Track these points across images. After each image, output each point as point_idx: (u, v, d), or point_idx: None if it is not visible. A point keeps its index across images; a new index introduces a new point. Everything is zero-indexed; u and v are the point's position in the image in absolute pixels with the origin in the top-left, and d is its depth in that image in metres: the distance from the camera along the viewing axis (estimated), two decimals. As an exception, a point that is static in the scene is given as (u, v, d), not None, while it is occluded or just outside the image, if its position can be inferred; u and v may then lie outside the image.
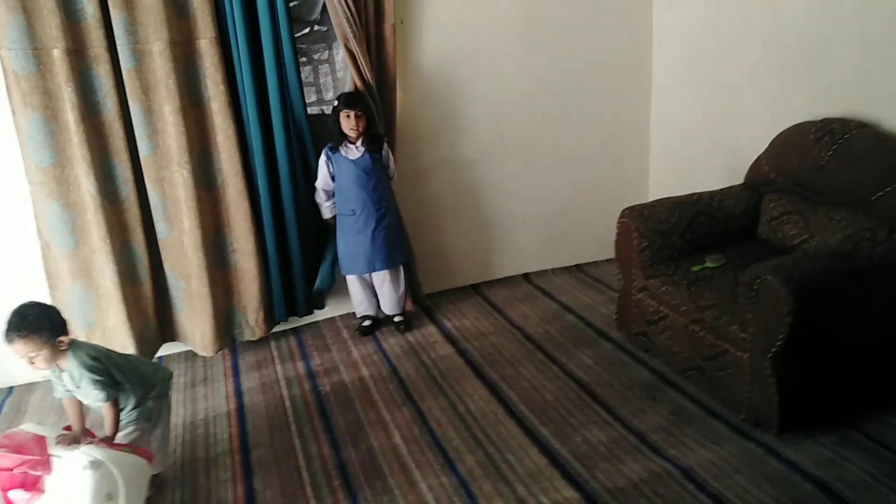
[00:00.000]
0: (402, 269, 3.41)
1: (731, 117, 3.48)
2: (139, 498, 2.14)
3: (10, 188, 2.94)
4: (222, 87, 3.00)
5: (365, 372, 3.10)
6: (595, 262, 4.15)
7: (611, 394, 2.79)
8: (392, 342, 3.35)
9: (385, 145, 3.26)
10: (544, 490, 2.27)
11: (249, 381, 3.12)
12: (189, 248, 3.11)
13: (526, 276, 4.03)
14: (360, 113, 3.12)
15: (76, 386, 2.18)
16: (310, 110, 3.38)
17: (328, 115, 3.41)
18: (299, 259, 3.32)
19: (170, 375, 2.48)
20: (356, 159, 3.17)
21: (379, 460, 2.49)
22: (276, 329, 3.49)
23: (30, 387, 3.17)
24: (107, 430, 2.21)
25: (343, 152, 3.18)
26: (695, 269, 2.84)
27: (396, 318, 3.48)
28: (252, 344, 3.41)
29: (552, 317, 3.51)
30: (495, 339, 3.32)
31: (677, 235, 2.96)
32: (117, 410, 2.24)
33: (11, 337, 2.02)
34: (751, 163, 3.12)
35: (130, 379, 2.27)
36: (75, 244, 2.96)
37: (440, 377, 3.01)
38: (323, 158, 3.22)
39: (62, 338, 2.11)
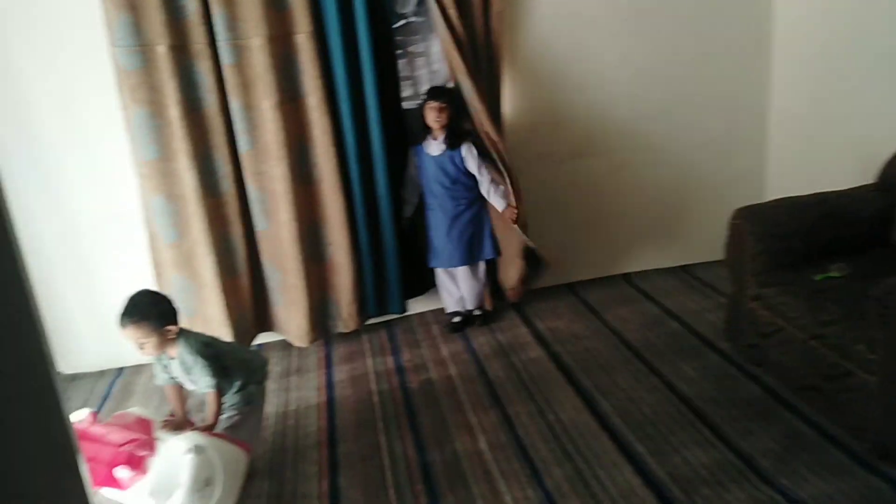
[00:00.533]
0: (481, 264, 3.36)
1: (862, 110, 3.12)
2: (235, 486, 2.18)
3: (126, 181, 3.08)
4: (319, 83, 3.00)
5: (453, 371, 3.04)
6: (703, 264, 3.88)
7: (716, 411, 2.58)
8: (482, 341, 3.27)
9: (468, 144, 3.17)
10: (637, 513, 2.12)
11: (340, 373, 3.13)
12: (286, 242, 3.15)
13: (626, 276, 3.83)
14: (443, 105, 3.07)
15: (187, 372, 2.26)
16: (406, 105, 3.33)
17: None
18: (393, 256, 3.30)
19: (266, 361, 2.59)
20: (437, 155, 3.15)
21: (463, 465, 2.42)
22: (369, 322, 3.49)
23: (138, 369, 3.33)
24: (209, 417, 2.29)
25: (425, 147, 3.17)
26: (817, 278, 2.57)
27: (475, 312, 3.42)
28: (345, 336, 3.43)
29: (653, 322, 3.30)
30: (590, 343, 3.16)
31: (798, 240, 2.69)
32: (220, 400, 2.31)
33: (124, 322, 2.13)
34: (884, 161, 2.79)
35: (235, 365, 2.39)
36: (178, 236, 3.06)
37: (530, 381, 2.90)
38: (411, 154, 3.23)
39: (171, 326, 2.18)
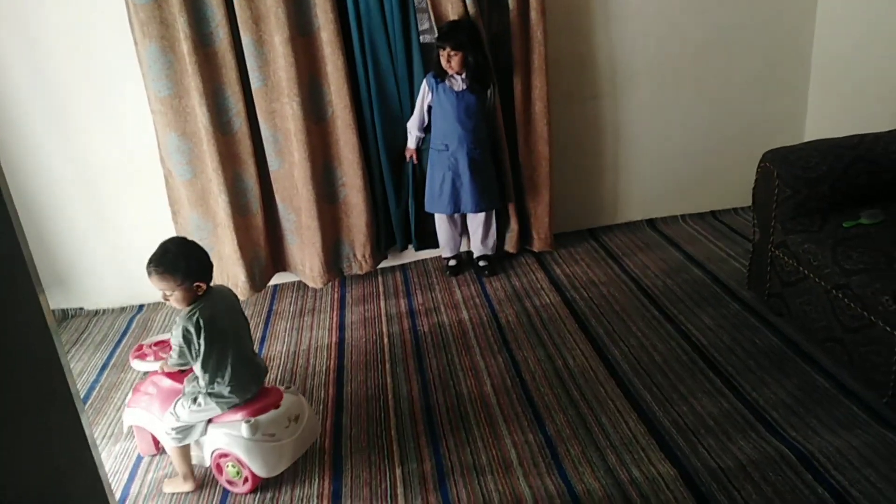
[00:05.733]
0: (493, 213, 3.25)
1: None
2: (308, 440, 2.19)
3: (142, 119, 3.06)
4: (331, 16, 2.91)
5: (465, 314, 3.00)
6: (734, 210, 3.74)
7: (730, 360, 2.50)
8: (496, 285, 3.22)
9: (492, 87, 3.03)
10: (637, 461, 2.08)
11: (353, 314, 3.13)
12: (299, 182, 3.12)
13: (651, 221, 3.70)
14: (453, 51, 2.89)
15: (173, 329, 2.06)
16: (422, 38, 3.21)
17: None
18: (411, 192, 3.27)
19: (249, 398, 2.12)
20: (461, 92, 2.99)
21: (467, 408, 2.41)
22: (383, 265, 3.47)
23: (157, 306, 3.39)
24: (164, 363, 2.16)
25: (448, 82, 3.00)
26: (846, 224, 2.42)
27: (481, 263, 3.33)
28: (360, 277, 3.42)
29: (674, 269, 3.20)
30: (606, 289, 3.08)
31: (828, 185, 2.53)
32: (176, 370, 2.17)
33: (150, 270, 1.97)
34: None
35: (212, 365, 2.03)
36: (192, 174, 3.06)
37: (541, 326, 2.85)
38: (424, 86, 3.04)
39: (200, 283, 1.99)
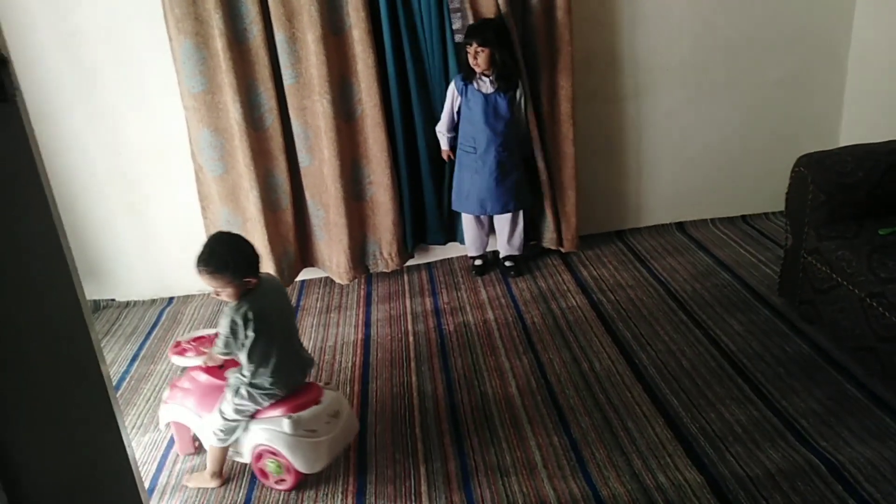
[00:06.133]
0: (521, 213, 3.24)
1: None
2: (347, 438, 2.19)
3: (175, 113, 3.10)
4: (363, 14, 2.92)
5: (490, 315, 3.00)
6: (766, 214, 3.68)
7: (760, 367, 2.47)
8: (522, 286, 3.21)
9: (521, 87, 3.02)
10: (663, 467, 2.06)
11: (379, 311, 3.15)
12: (328, 178, 3.14)
13: (680, 225, 3.66)
14: (480, 47, 2.87)
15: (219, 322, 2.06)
16: (456, 38, 3.20)
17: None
18: (431, 190, 3.28)
19: (288, 393, 2.12)
20: (489, 94, 2.98)
21: (491, 409, 2.40)
22: (410, 263, 3.48)
23: (187, 298, 3.44)
24: (210, 360, 2.15)
25: (476, 84, 2.99)
26: (882, 232, 2.38)
27: (507, 263, 3.32)
28: (386, 275, 3.44)
29: (703, 273, 3.16)
30: (634, 293, 3.06)
31: (864, 191, 2.49)
32: (220, 362, 2.16)
33: (199, 270, 1.96)
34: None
35: (257, 356, 2.03)
36: (224, 169, 3.09)
37: (567, 329, 2.83)
38: (452, 88, 3.04)
39: (249, 278, 1.99)
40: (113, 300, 3.46)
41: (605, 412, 2.32)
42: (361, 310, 3.19)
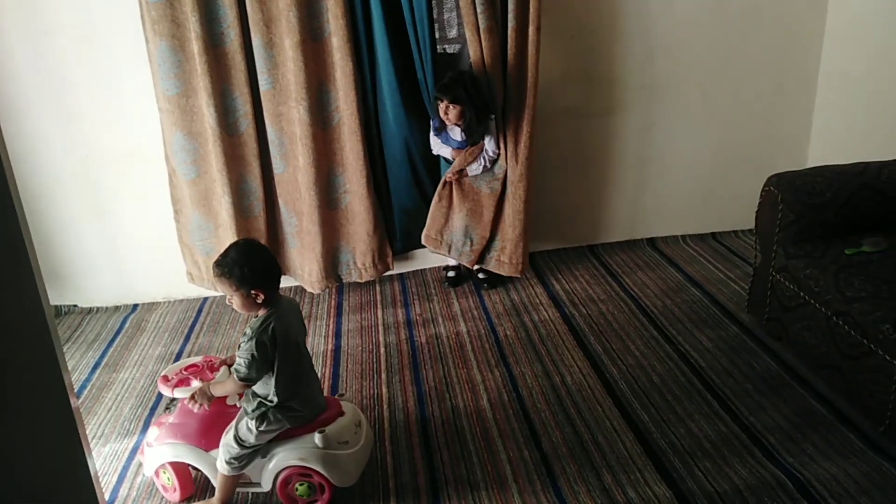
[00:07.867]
0: None
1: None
2: (367, 450, 2.12)
3: (147, 116, 3.04)
4: (342, 22, 2.90)
5: (462, 327, 2.99)
6: (735, 232, 3.74)
7: (728, 383, 2.49)
8: (495, 298, 3.21)
9: (490, 137, 3.02)
10: (633, 482, 2.06)
11: (350, 322, 3.12)
12: (302, 186, 3.11)
13: (651, 240, 3.70)
14: (450, 104, 2.88)
15: (241, 342, 1.94)
16: (441, 48, 3.20)
17: (451, 54, 3.24)
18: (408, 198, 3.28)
19: (315, 415, 2.05)
20: (461, 142, 3.03)
21: (462, 422, 2.39)
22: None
23: (152, 306, 3.37)
24: (221, 388, 1.98)
25: (449, 131, 3.05)
26: (848, 252, 2.43)
27: (480, 275, 3.33)
28: (358, 285, 3.41)
29: (674, 289, 3.20)
30: (606, 307, 3.07)
31: (832, 211, 2.54)
32: (238, 392, 2.01)
33: (214, 271, 1.92)
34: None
35: (285, 379, 1.94)
36: (196, 173, 3.04)
37: (539, 342, 2.84)
38: (431, 134, 3.09)
39: (257, 291, 1.89)
40: (75, 306, 3.37)
41: (575, 426, 2.32)
42: (332, 320, 3.16)
